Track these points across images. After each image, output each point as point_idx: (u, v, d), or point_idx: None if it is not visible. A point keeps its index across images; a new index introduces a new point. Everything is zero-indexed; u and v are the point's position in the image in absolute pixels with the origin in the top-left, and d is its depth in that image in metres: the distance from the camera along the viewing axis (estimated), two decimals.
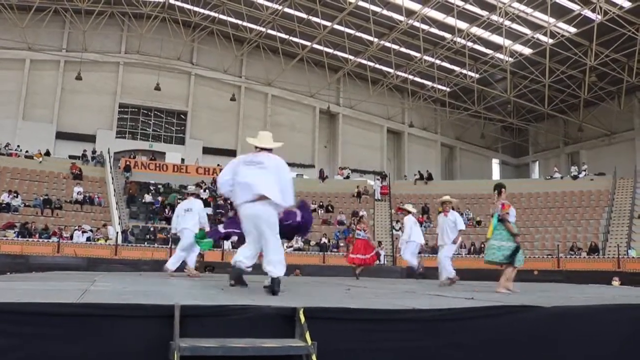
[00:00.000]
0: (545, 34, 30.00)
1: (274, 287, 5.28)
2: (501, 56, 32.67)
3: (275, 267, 5.39)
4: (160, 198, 29.31)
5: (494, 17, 29.33)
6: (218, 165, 34.18)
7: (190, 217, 10.26)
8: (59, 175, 29.68)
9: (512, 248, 7.28)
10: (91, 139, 33.80)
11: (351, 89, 39.34)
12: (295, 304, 3.62)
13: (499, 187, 7.78)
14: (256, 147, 5.92)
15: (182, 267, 10.78)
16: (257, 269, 5.87)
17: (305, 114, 39.73)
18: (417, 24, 30.70)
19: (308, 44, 35.18)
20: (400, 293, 6.65)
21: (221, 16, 33.58)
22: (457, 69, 35.62)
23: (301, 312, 3.38)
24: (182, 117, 37.05)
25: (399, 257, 20.88)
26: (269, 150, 5.90)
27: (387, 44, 33.53)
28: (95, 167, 31.26)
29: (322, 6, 30.74)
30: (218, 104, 37.16)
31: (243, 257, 5.82)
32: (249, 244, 5.83)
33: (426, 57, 34.24)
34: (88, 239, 23.94)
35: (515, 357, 3.80)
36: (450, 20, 30.09)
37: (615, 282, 17.13)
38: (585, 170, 33.03)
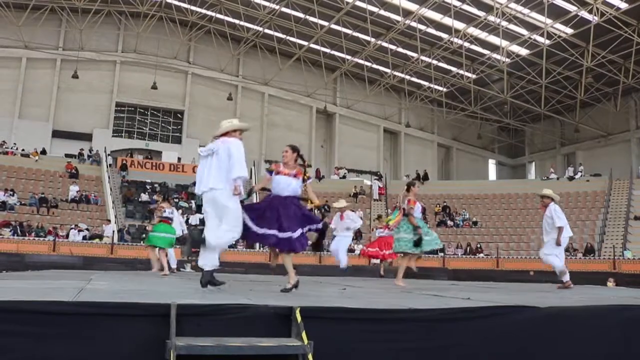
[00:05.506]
0: (542, 35, 30.04)
1: None
2: (498, 57, 32.73)
3: None
4: (156, 197, 29.23)
5: (491, 18, 29.36)
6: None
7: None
8: (55, 174, 29.64)
9: (412, 240, 8.42)
10: (87, 137, 33.70)
11: (348, 88, 39.33)
12: (291, 303, 3.62)
13: (409, 185, 8.91)
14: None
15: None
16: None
17: (302, 113, 39.69)
18: (414, 24, 30.72)
19: (305, 43, 35.16)
20: (397, 293, 6.66)
21: (218, 15, 33.51)
22: (454, 69, 35.65)
23: (297, 311, 3.38)
24: (179, 116, 36.96)
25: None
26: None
27: (384, 44, 33.53)
28: (91, 166, 31.20)
29: (319, 6, 30.70)
30: (215, 103, 37.06)
31: None
32: None
33: (423, 58, 34.23)
34: (84, 237, 23.89)
35: (511, 357, 3.80)
36: (447, 21, 30.15)
37: (610, 283, 17.16)
38: (581, 171, 33.08)
